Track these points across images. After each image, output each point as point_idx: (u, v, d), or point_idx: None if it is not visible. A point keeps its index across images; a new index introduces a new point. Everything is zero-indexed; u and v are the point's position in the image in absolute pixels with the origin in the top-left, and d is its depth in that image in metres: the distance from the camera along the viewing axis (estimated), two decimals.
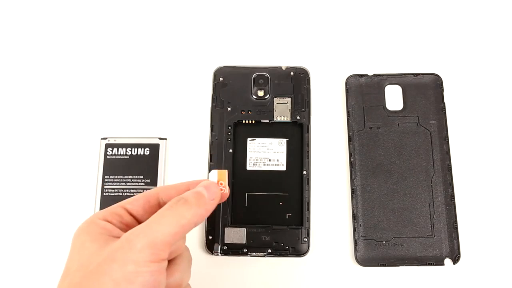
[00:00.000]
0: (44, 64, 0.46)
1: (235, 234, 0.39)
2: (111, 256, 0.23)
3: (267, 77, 0.43)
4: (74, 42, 0.47)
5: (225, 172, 0.29)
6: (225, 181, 0.29)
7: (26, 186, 0.42)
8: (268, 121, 0.42)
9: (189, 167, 0.42)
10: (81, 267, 0.24)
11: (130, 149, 0.42)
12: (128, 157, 0.41)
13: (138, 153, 0.42)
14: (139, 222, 0.27)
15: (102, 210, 0.27)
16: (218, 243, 0.39)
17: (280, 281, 0.39)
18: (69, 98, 0.45)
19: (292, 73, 0.43)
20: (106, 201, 0.40)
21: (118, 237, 0.25)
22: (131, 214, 0.27)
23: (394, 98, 0.43)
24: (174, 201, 0.26)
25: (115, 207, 0.27)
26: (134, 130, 0.43)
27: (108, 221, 0.26)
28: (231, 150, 0.41)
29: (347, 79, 0.43)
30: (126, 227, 0.27)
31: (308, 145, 0.41)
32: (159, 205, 0.28)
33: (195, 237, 0.40)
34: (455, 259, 0.39)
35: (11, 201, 0.42)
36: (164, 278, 0.24)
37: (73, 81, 0.45)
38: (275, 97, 0.43)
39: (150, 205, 0.28)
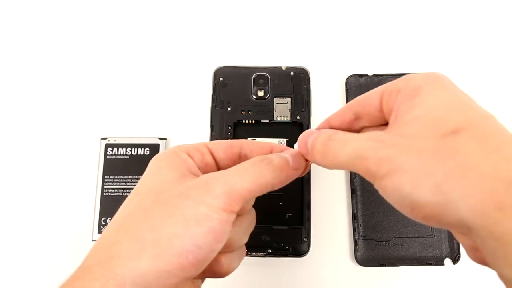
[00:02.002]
0: (45, 64, 0.46)
1: None
2: (186, 192, 0.23)
3: (267, 77, 0.43)
4: (75, 42, 0.47)
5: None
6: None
7: (26, 186, 0.42)
8: (268, 121, 0.42)
9: None
10: (153, 191, 0.24)
11: (130, 149, 0.42)
12: (128, 157, 0.41)
13: (138, 153, 0.42)
14: (218, 165, 0.28)
15: (185, 144, 0.27)
16: None
17: (280, 281, 0.39)
18: (69, 98, 0.45)
19: (292, 73, 0.43)
20: (106, 201, 0.40)
21: (196, 175, 0.25)
22: (212, 155, 0.27)
23: None
24: (259, 159, 0.25)
25: (199, 144, 0.27)
26: (134, 130, 0.43)
27: (190, 156, 0.26)
28: None
29: (347, 79, 0.43)
30: (205, 167, 0.27)
31: None
32: (240, 156, 0.28)
33: None
34: (455, 259, 0.39)
35: (11, 201, 0.42)
36: (229, 230, 0.24)
37: (74, 81, 0.45)
38: (275, 97, 0.43)
39: (232, 151, 0.28)
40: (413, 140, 0.22)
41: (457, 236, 0.25)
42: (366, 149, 0.23)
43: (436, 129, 0.22)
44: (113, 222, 0.24)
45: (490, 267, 0.21)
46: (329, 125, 0.29)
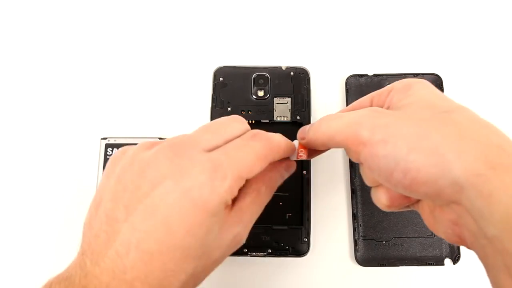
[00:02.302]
0: (44, 64, 0.46)
1: None
2: None
3: (267, 77, 0.43)
4: (74, 42, 0.47)
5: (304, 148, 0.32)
6: (305, 149, 0.31)
7: (26, 186, 0.42)
8: (268, 121, 0.42)
9: None
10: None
11: None
12: None
13: None
14: None
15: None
16: None
17: (280, 281, 0.39)
18: (69, 98, 0.45)
19: (292, 73, 0.43)
20: None
21: None
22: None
23: None
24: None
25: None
26: (134, 130, 0.43)
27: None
28: None
29: (347, 79, 0.43)
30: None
31: None
32: None
33: None
34: (455, 259, 0.39)
35: (11, 201, 0.42)
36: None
37: (73, 81, 0.45)
38: (275, 97, 0.43)
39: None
40: (411, 114, 0.25)
41: (436, 211, 0.25)
42: (361, 117, 0.26)
43: (431, 109, 0.24)
44: None
45: (466, 244, 0.23)
46: None
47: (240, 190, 0.26)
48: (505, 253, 0.20)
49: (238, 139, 0.27)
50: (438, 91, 0.27)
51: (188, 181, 0.23)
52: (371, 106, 0.29)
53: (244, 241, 0.28)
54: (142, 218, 0.23)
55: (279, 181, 0.31)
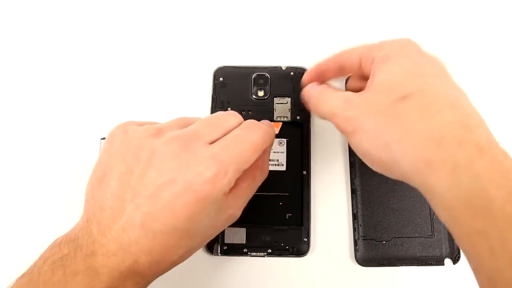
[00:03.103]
0: (44, 64, 0.46)
1: (235, 234, 0.39)
2: None
3: (267, 77, 0.43)
4: (74, 42, 0.47)
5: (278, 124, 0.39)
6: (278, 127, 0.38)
7: (26, 186, 0.42)
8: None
9: None
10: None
11: None
12: None
13: None
14: None
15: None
16: (218, 243, 0.39)
17: (280, 281, 0.39)
18: (68, 97, 0.45)
19: (292, 73, 0.43)
20: None
21: None
22: None
23: None
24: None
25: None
26: None
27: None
28: None
29: (347, 79, 0.43)
30: None
31: (308, 145, 0.41)
32: None
33: None
34: (455, 259, 0.39)
35: (11, 201, 0.42)
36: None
37: (73, 81, 0.45)
38: (275, 97, 0.43)
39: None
40: (372, 103, 0.27)
41: None
42: (336, 108, 0.29)
43: (391, 93, 0.26)
44: None
45: None
46: (320, 70, 0.36)
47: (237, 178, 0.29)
48: (455, 237, 0.24)
49: (236, 129, 0.30)
50: (411, 59, 0.28)
51: (192, 176, 0.26)
52: (360, 65, 0.32)
53: (237, 218, 0.31)
54: (148, 202, 0.26)
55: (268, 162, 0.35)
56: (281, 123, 0.39)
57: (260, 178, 0.33)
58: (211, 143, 0.28)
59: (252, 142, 0.29)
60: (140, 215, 0.26)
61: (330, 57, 0.34)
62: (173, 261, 0.28)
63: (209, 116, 0.31)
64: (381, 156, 0.26)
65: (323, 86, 0.34)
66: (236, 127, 0.30)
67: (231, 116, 0.31)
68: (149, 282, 0.29)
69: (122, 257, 0.26)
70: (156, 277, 0.29)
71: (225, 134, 0.29)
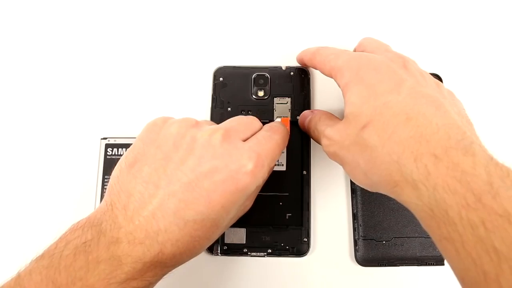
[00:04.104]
0: (44, 64, 0.46)
1: (235, 234, 0.39)
2: None
3: (267, 77, 0.43)
4: (74, 42, 0.47)
5: (287, 119, 0.40)
6: (287, 122, 0.39)
7: (26, 186, 0.42)
8: (268, 121, 0.42)
9: None
10: None
11: None
12: None
13: None
14: None
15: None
16: (218, 243, 0.39)
17: (280, 281, 0.39)
18: (69, 98, 0.45)
19: (292, 73, 0.43)
20: None
21: None
22: None
23: None
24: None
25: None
26: (134, 130, 0.43)
27: None
28: None
29: None
30: None
31: (308, 145, 0.41)
32: None
33: None
34: None
35: (11, 201, 0.42)
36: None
37: (73, 81, 0.45)
38: (275, 97, 0.43)
39: None
40: (345, 136, 0.29)
41: None
42: (323, 146, 0.33)
43: (356, 124, 0.28)
44: None
45: None
46: (303, 63, 0.39)
47: None
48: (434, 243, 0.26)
49: (262, 131, 0.32)
50: (365, 84, 0.29)
51: (235, 165, 0.27)
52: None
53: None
54: (184, 189, 0.26)
55: None
56: (289, 118, 0.41)
57: (270, 172, 0.34)
58: (244, 140, 0.30)
59: (278, 142, 0.32)
60: (175, 202, 0.26)
61: (310, 57, 0.37)
62: (195, 253, 0.29)
63: (238, 117, 0.33)
64: (365, 183, 0.29)
65: (316, 117, 0.36)
66: (260, 130, 0.33)
67: (256, 120, 0.33)
68: (165, 274, 0.28)
69: (149, 246, 0.26)
70: (173, 269, 0.29)
71: (253, 134, 0.31)
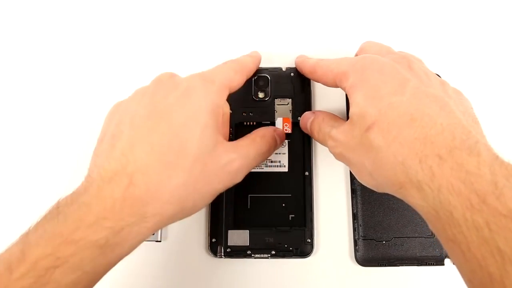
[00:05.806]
0: (44, 63, 0.45)
1: (238, 236, 0.39)
2: None
3: (268, 78, 0.43)
4: (74, 41, 0.46)
5: (288, 118, 0.41)
6: (289, 123, 0.41)
7: (26, 186, 0.42)
8: (269, 122, 0.42)
9: None
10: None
11: None
12: None
13: None
14: None
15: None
16: (222, 246, 0.39)
17: (284, 283, 0.39)
18: (69, 98, 0.44)
19: (292, 74, 0.43)
20: None
21: None
22: None
23: None
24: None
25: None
26: None
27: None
28: None
29: None
30: None
31: (310, 146, 0.41)
32: None
33: (198, 240, 0.40)
34: None
35: (11, 201, 0.41)
36: None
37: (73, 81, 0.45)
38: (276, 98, 0.43)
39: None
40: (351, 137, 0.30)
41: None
42: (330, 148, 0.33)
43: (361, 125, 0.28)
44: None
45: None
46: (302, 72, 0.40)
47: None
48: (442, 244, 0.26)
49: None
50: (370, 84, 0.30)
51: (188, 89, 0.30)
52: (336, 85, 0.34)
53: (240, 178, 0.32)
54: (145, 119, 0.28)
55: (272, 143, 0.36)
56: (290, 118, 0.41)
57: (260, 144, 0.35)
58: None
59: (231, 66, 0.35)
60: (138, 132, 0.27)
61: (310, 70, 0.37)
62: (175, 190, 0.27)
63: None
64: (371, 184, 0.30)
65: (320, 117, 0.36)
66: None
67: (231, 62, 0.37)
68: (149, 220, 0.27)
69: (118, 181, 0.26)
70: (168, 219, 0.28)
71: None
